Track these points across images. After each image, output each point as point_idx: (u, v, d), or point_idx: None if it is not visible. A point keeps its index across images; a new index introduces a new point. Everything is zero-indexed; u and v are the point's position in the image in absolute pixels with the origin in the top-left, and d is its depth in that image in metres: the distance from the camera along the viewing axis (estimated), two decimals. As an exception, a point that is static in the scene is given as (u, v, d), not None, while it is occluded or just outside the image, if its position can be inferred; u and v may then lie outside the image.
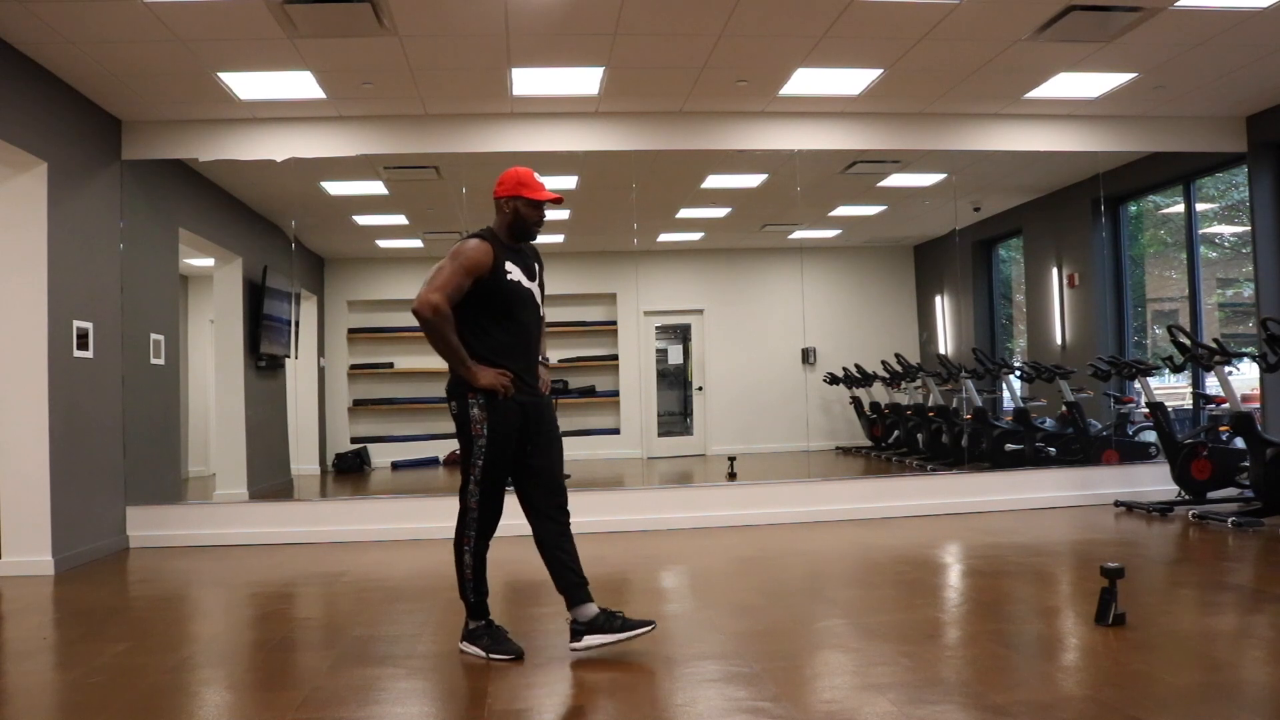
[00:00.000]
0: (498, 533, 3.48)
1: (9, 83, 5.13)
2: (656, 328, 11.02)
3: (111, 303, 6.17)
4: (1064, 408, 7.96)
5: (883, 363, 9.82)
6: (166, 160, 6.66)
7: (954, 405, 8.73)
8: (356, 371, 10.52)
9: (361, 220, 9.24)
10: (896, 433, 9.71)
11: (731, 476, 7.94)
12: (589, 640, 3.34)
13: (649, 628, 3.37)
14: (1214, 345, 6.17)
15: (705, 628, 3.79)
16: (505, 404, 3.35)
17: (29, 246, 5.42)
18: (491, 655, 3.35)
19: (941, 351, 9.81)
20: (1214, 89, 6.57)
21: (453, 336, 3.30)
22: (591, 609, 3.37)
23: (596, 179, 7.77)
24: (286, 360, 8.67)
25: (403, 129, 6.67)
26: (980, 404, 8.39)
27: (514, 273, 3.42)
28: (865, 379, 9.97)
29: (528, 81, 6.06)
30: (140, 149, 6.47)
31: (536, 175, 3.48)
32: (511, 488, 3.47)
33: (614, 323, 10.69)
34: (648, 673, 3.19)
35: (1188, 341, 6.28)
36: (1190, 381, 7.96)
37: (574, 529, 3.47)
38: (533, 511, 3.46)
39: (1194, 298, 8.01)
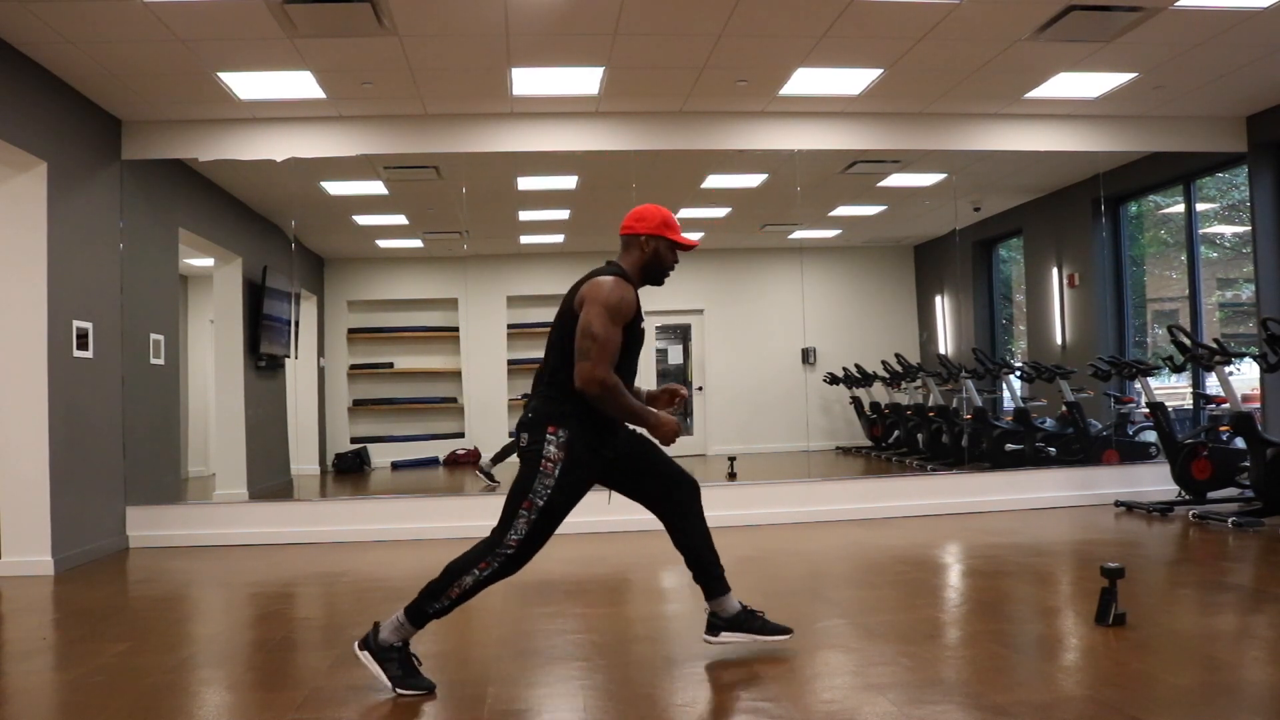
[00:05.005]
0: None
1: (9, 83, 5.13)
2: (656, 328, 11.01)
3: (111, 303, 6.17)
4: (1064, 408, 7.95)
5: (883, 363, 9.82)
6: (166, 160, 6.66)
7: (954, 405, 8.73)
8: (356, 371, 10.51)
9: (361, 220, 9.24)
10: (896, 433, 9.70)
11: (731, 476, 7.94)
12: (726, 636, 3.29)
13: (788, 634, 3.33)
14: (1214, 345, 6.17)
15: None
16: (589, 455, 3.04)
17: (29, 246, 5.42)
18: (400, 690, 2.95)
19: (942, 351, 9.80)
20: (1214, 89, 6.57)
21: (629, 401, 3.00)
22: (734, 603, 3.30)
23: (596, 179, 7.77)
24: (286, 360, 8.67)
25: (403, 129, 6.67)
26: (980, 404, 8.39)
27: (644, 318, 3.16)
28: (865, 379, 9.97)
29: (528, 81, 6.06)
30: (140, 149, 6.47)
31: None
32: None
33: (614, 323, 10.65)
34: (648, 672, 3.19)
35: (1188, 341, 6.28)
36: (1190, 381, 7.96)
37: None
38: (666, 507, 3.29)
39: (1194, 298, 8.01)
